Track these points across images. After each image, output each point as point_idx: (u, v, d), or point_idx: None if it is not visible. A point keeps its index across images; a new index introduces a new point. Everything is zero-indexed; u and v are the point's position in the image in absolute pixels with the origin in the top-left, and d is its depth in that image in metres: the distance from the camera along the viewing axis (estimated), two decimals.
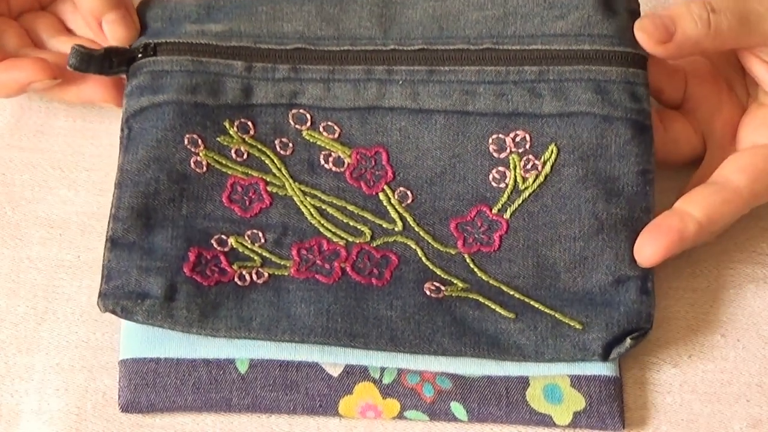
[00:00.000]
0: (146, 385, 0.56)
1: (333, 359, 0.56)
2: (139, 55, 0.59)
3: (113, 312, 0.55)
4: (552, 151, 0.58)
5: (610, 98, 0.57)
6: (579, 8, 0.59)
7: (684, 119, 0.62)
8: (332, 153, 0.59)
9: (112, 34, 0.60)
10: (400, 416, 0.57)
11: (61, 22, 0.64)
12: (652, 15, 0.58)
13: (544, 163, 0.58)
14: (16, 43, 0.62)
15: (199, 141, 0.58)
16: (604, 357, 0.55)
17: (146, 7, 0.62)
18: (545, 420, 0.56)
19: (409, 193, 0.59)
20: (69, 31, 0.64)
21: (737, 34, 0.57)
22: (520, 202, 0.58)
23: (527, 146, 0.58)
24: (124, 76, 0.61)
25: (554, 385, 0.56)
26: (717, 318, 0.60)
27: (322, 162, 0.59)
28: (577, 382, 0.56)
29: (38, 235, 0.62)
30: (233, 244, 0.57)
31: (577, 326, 0.55)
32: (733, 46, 0.59)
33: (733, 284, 0.61)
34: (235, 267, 0.56)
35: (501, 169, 0.58)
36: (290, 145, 0.59)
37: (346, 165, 0.59)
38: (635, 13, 0.60)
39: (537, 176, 0.58)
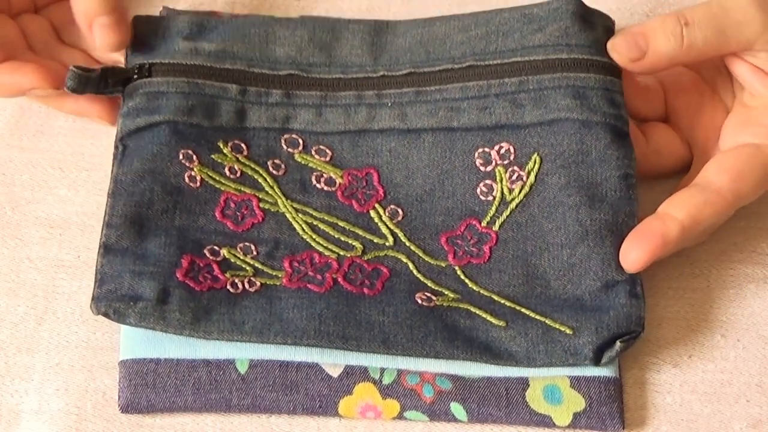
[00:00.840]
0: (146, 386, 0.56)
1: (333, 360, 0.56)
2: (135, 76, 0.60)
3: (106, 315, 0.55)
4: (535, 161, 0.58)
5: (589, 103, 0.58)
6: (557, 20, 0.60)
7: (668, 129, 0.62)
8: (324, 174, 0.60)
9: (102, 38, 0.60)
10: (400, 417, 0.57)
11: (53, 27, 0.64)
12: (625, 33, 0.58)
13: (529, 174, 0.58)
14: (15, 44, 0.62)
15: (194, 157, 0.59)
16: (596, 361, 0.55)
17: (139, 22, 0.62)
18: (545, 421, 0.56)
19: (399, 210, 0.59)
20: (61, 39, 0.64)
21: (715, 46, 0.57)
22: (508, 213, 0.58)
23: (512, 158, 0.59)
24: (119, 96, 0.61)
25: (554, 385, 0.56)
26: (717, 318, 0.60)
27: (314, 182, 0.59)
28: (576, 382, 0.56)
29: (38, 235, 0.62)
30: (225, 254, 0.57)
31: (568, 331, 0.55)
32: (712, 56, 0.59)
33: (733, 284, 0.61)
34: (227, 275, 0.56)
35: (488, 182, 0.59)
36: (282, 166, 0.60)
37: (337, 185, 0.59)
38: (610, 31, 0.61)
39: (522, 187, 0.58)
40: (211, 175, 0.59)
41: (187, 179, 0.58)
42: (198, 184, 0.59)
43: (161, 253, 0.56)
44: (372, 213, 0.59)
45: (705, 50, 0.57)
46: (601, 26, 0.60)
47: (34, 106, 0.65)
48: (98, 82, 0.59)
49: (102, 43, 0.60)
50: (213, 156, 0.59)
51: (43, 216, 0.62)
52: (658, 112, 0.63)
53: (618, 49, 0.58)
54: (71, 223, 0.62)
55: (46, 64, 0.61)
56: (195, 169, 0.59)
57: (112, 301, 0.55)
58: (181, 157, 0.58)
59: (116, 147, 0.59)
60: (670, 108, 0.63)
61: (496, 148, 0.59)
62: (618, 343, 0.54)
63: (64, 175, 0.63)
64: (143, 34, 0.62)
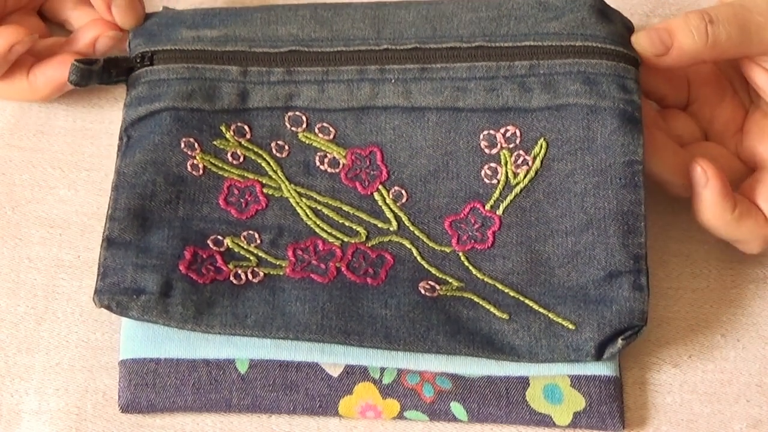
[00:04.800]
0: (146, 386, 0.56)
1: (333, 359, 0.56)
2: (137, 66, 0.60)
3: (108, 308, 0.55)
4: (541, 146, 0.58)
5: (599, 89, 0.57)
6: (574, 11, 0.59)
7: (686, 116, 0.63)
8: (327, 154, 0.59)
9: (120, 17, 0.62)
10: (400, 416, 0.57)
11: (44, 26, 0.65)
12: (649, 29, 0.58)
13: (534, 158, 0.58)
14: None
15: (196, 144, 0.59)
16: (598, 357, 0.55)
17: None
18: (545, 420, 0.56)
19: (403, 192, 0.59)
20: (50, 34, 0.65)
21: (737, 44, 0.57)
22: (512, 197, 0.58)
23: (517, 141, 0.58)
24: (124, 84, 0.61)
25: (554, 385, 0.56)
26: (717, 318, 0.60)
27: (318, 163, 0.59)
28: (577, 382, 0.56)
29: (38, 235, 0.62)
30: (229, 244, 0.57)
31: (570, 326, 0.55)
32: (733, 56, 0.59)
33: (733, 284, 0.61)
34: (230, 266, 0.56)
35: (492, 165, 0.59)
36: (286, 147, 0.59)
37: (341, 166, 0.59)
38: (630, 30, 0.60)
39: (528, 171, 0.58)
40: (213, 162, 0.59)
41: (189, 168, 0.58)
42: (201, 172, 0.59)
43: (164, 246, 0.56)
44: (376, 195, 0.59)
45: (728, 48, 0.58)
46: (619, 22, 0.60)
47: (34, 106, 0.65)
48: (101, 74, 0.60)
49: (121, 23, 0.62)
50: (215, 142, 0.59)
51: (43, 216, 0.62)
52: (681, 99, 0.63)
53: (643, 44, 0.58)
54: (71, 223, 0.62)
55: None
56: (197, 157, 0.59)
57: (115, 294, 0.55)
58: (182, 145, 0.58)
59: (120, 139, 0.59)
60: (693, 97, 0.63)
61: (502, 131, 0.59)
62: (620, 340, 0.54)
63: (64, 175, 0.63)
64: (146, 25, 0.62)
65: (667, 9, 0.69)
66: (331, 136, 0.59)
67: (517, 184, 0.58)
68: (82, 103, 0.65)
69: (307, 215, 0.58)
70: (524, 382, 0.56)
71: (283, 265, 0.57)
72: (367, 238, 0.58)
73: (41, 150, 0.64)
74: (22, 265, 0.61)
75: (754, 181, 0.59)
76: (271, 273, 0.56)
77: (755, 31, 0.57)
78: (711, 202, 0.57)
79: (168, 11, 0.63)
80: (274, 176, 0.59)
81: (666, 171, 0.58)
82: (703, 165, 0.57)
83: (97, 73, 0.59)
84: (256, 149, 0.59)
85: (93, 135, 0.65)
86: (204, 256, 0.56)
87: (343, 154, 0.59)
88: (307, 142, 0.59)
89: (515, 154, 0.58)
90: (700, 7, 0.68)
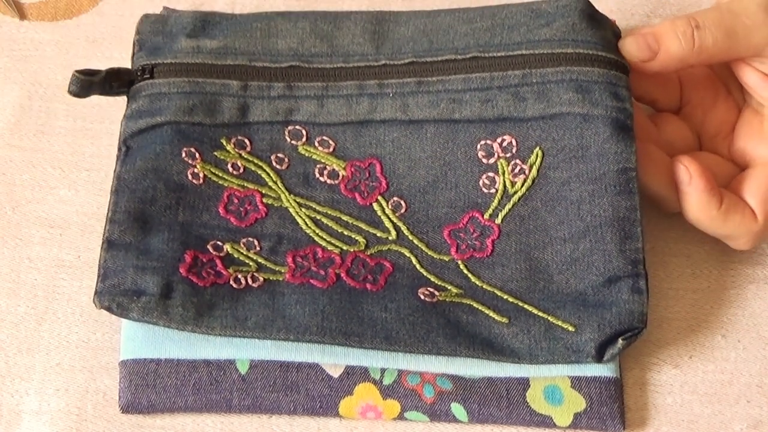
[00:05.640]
0: (147, 386, 0.56)
1: (333, 360, 0.56)
2: (138, 78, 0.60)
3: (108, 309, 0.55)
4: (537, 155, 0.58)
5: (591, 97, 0.58)
6: (565, 17, 0.60)
7: (678, 120, 0.63)
8: (327, 166, 0.60)
9: None
10: (401, 417, 0.57)
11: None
12: (635, 34, 0.59)
13: (531, 167, 0.58)
14: None
15: (197, 154, 0.59)
16: (598, 358, 0.55)
17: (147, 20, 0.62)
18: (546, 421, 0.56)
19: (402, 202, 0.59)
20: None
21: (724, 49, 0.58)
22: (511, 206, 0.58)
23: (514, 150, 0.59)
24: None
25: (555, 386, 0.56)
26: (718, 319, 0.60)
27: (317, 175, 0.59)
28: (577, 383, 0.56)
29: (38, 235, 0.62)
30: (228, 249, 0.57)
31: (570, 328, 0.55)
32: (721, 60, 0.59)
33: (734, 285, 0.61)
34: (230, 270, 0.56)
35: (490, 174, 0.59)
36: (286, 160, 0.60)
37: (340, 177, 0.59)
38: (617, 35, 0.61)
39: (525, 180, 0.58)
40: (213, 171, 0.59)
41: (190, 176, 0.58)
42: (201, 180, 0.59)
43: (164, 249, 0.56)
44: (375, 206, 0.59)
45: (715, 53, 0.58)
46: (608, 28, 0.60)
47: (35, 106, 0.65)
48: (102, 85, 0.59)
49: None
50: (216, 153, 0.59)
51: (43, 216, 0.62)
52: (673, 103, 0.63)
53: (629, 49, 0.58)
54: (71, 223, 0.62)
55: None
56: (198, 166, 0.59)
57: (116, 295, 0.55)
58: (183, 155, 0.59)
59: (119, 149, 0.59)
60: (686, 99, 0.63)
61: (499, 140, 0.59)
62: (620, 341, 0.54)
63: (64, 175, 0.63)
64: (149, 32, 0.62)
65: (668, 9, 0.69)
66: (331, 149, 0.60)
67: (515, 192, 0.58)
68: (82, 103, 0.64)
69: (307, 224, 0.58)
70: (525, 383, 0.56)
71: (283, 271, 0.57)
72: (366, 246, 0.58)
73: (41, 150, 0.64)
74: (23, 265, 0.61)
75: (742, 176, 0.59)
76: (271, 278, 0.57)
77: (742, 35, 0.57)
78: (696, 199, 0.57)
79: (169, 14, 0.63)
80: (273, 187, 0.59)
81: (661, 186, 0.58)
82: (686, 163, 0.57)
83: (97, 85, 0.59)
84: (256, 161, 0.59)
85: (93, 135, 0.65)
86: (204, 260, 0.56)
87: (343, 166, 0.59)
88: (306, 154, 0.60)
89: (512, 163, 0.58)
90: (701, 6, 0.68)
